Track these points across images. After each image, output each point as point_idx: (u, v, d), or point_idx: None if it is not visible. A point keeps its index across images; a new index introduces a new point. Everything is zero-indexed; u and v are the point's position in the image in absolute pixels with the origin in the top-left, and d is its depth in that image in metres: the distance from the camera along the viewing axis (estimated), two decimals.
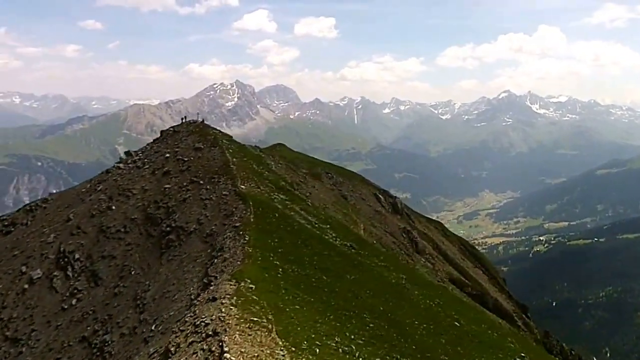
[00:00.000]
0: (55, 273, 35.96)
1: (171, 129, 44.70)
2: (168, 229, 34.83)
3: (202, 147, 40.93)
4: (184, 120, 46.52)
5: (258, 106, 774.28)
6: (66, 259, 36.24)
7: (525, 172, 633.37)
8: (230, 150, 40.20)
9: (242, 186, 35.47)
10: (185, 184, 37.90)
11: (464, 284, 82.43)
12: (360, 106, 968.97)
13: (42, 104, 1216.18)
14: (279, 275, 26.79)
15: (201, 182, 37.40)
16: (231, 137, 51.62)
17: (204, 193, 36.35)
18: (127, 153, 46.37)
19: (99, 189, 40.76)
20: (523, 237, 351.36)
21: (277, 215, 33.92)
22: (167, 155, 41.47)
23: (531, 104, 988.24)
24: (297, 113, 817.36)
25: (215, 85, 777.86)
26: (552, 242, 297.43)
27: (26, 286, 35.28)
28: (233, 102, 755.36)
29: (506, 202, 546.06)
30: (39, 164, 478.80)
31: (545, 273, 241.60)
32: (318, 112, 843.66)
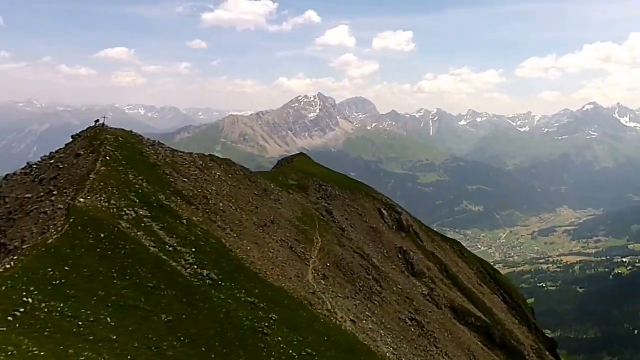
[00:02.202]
0: None
1: (77, 135, 39.14)
2: None
3: (82, 153, 34.71)
4: (96, 124, 40.70)
5: (338, 117, 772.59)
6: None
7: (610, 188, 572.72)
8: (108, 158, 33.57)
9: (83, 199, 28.58)
10: (42, 194, 31.82)
11: (467, 313, 69.61)
12: (436, 118, 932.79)
13: (160, 114, 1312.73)
14: (9, 319, 19.69)
15: (54, 192, 31.08)
16: (158, 142, 45.16)
17: (46, 205, 29.98)
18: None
19: None
20: (603, 258, 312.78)
21: (104, 235, 26.63)
22: (52, 162, 35.76)
23: (620, 117, 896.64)
24: (374, 124, 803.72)
25: (299, 98, 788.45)
26: (638, 264, 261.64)
27: None
28: (315, 114, 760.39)
29: (586, 220, 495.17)
30: None
31: (627, 297, 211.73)
32: (394, 123, 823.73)
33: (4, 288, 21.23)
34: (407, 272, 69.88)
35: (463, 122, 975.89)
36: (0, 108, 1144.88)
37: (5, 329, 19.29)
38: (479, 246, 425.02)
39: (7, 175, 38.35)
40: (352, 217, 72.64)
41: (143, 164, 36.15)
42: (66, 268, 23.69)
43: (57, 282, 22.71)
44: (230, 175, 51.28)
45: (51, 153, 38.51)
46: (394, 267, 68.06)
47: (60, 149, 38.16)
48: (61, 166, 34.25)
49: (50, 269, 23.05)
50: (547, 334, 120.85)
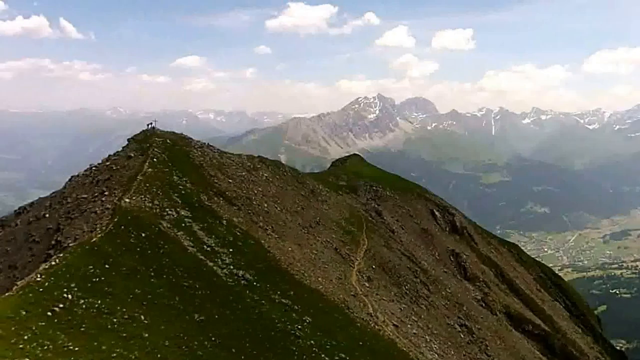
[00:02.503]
0: None
1: (131, 138, 40.50)
2: (53, 242, 30.31)
3: (133, 155, 35.79)
4: (148, 126, 41.93)
5: (397, 118, 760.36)
6: None
7: None
8: (155, 160, 34.32)
9: (128, 199, 29.31)
10: (96, 194, 33.06)
11: (523, 320, 65.44)
12: (498, 117, 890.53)
13: (228, 119, 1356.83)
14: (49, 314, 20.32)
15: (105, 193, 32.19)
16: (207, 144, 45.85)
17: (97, 205, 31.06)
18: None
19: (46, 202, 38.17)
20: None
21: (145, 234, 27.11)
22: (108, 163, 37.20)
23: None
24: (434, 124, 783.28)
25: (359, 99, 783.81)
26: None
27: None
28: (375, 115, 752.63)
29: None
30: None
31: None
32: (455, 123, 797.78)
33: (47, 284, 21.93)
34: (459, 275, 66.76)
35: (527, 121, 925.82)
36: (92, 116, 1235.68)
37: (44, 324, 19.84)
38: (545, 249, 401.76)
39: (72, 176, 40.32)
40: (403, 219, 70.49)
41: (188, 165, 36.70)
42: (106, 266, 24.20)
43: (97, 279, 23.19)
44: (277, 177, 51.19)
45: (109, 155, 40.09)
46: (445, 270, 65.24)
47: (117, 152, 39.61)
48: (114, 168, 35.48)
49: (91, 267, 23.61)
50: (619, 345, 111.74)
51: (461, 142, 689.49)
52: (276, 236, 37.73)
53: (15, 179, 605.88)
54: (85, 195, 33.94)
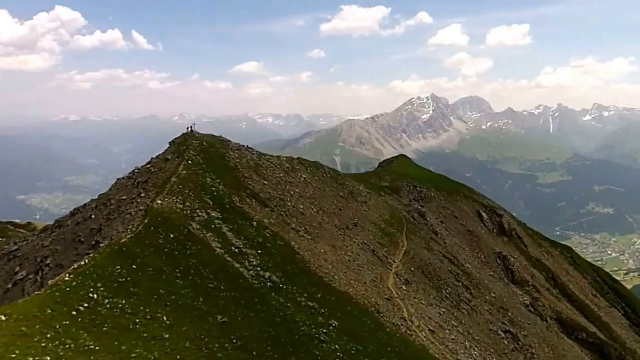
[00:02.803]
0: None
1: (171, 141, 41.02)
2: (93, 242, 31.08)
3: (170, 157, 36.15)
4: (188, 129, 42.33)
5: (451, 118, 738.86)
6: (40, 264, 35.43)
7: None
8: (190, 162, 34.42)
9: (160, 201, 29.48)
10: (134, 196, 33.64)
11: (576, 327, 60.72)
12: (556, 114, 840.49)
13: (285, 122, 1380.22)
14: (73, 313, 20.50)
15: (142, 194, 32.65)
16: (246, 146, 45.73)
17: (133, 206, 31.52)
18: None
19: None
20: None
21: (173, 235, 27.07)
22: (148, 166, 37.88)
23: None
24: (489, 123, 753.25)
25: (412, 99, 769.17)
26: None
27: None
28: (428, 115, 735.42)
29: None
30: None
31: None
32: (510, 121, 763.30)
33: (74, 283, 22.18)
34: (506, 279, 62.90)
35: (587, 117, 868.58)
36: (160, 122, 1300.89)
37: (67, 323, 19.95)
38: (609, 252, 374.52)
39: (117, 179, 41.45)
40: (447, 220, 67.48)
41: (222, 167, 36.58)
42: (133, 266, 24.24)
43: (123, 279, 23.24)
44: (316, 178, 50.30)
45: (151, 158, 40.83)
46: (491, 273, 61.69)
47: (158, 155, 40.25)
48: (152, 170, 36.01)
49: (118, 267, 23.72)
50: None
51: (517, 141, 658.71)
52: (309, 237, 36.80)
53: (94, 182, 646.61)
54: (125, 197, 34.62)
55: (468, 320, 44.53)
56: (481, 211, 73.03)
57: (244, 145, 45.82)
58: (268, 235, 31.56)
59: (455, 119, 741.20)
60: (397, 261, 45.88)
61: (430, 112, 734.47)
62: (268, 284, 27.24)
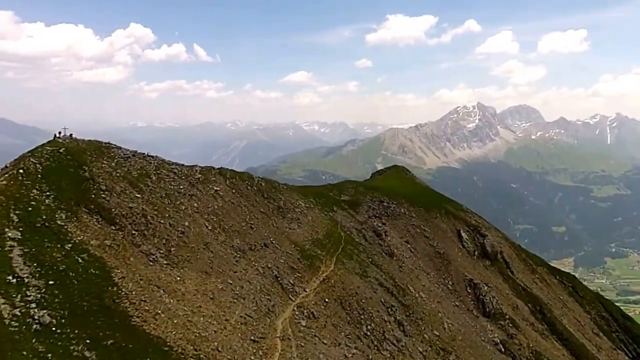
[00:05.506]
0: None
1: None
2: None
3: (7, 166, 31.20)
4: (56, 135, 36.83)
5: (498, 127, 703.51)
6: None
7: None
8: (21, 171, 29.22)
9: None
10: None
11: None
12: (614, 124, 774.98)
13: (331, 130, 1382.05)
14: None
15: None
16: (145, 154, 40.23)
17: None
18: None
19: None
20: None
21: None
22: None
23: None
24: (539, 133, 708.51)
25: (458, 108, 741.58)
26: None
27: None
28: (474, 124, 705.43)
29: None
30: (323, 177, 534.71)
31: None
32: (562, 131, 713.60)
33: None
34: (475, 311, 53.32)
35: None
36: (215, 129, 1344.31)
37: None
38: None
39: None
40: (415, 240, 58.73)
41: (70, 178, 31.13)
42: None
43: None
44: (233, 191, 43.90)
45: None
46: (456, 303, 52.44)
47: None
48: None
49: None
50: None
51: (570, 152, 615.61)
52: (165, 263, 30.52)
53: None
54: None
55: None
56: (462, 231, 63.39)
57: (142, 153, 40.39)
58: (81, 261, 25.62)
59: (502, 128, 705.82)
60: (308, 290, 38.51)
61: (477, 121, 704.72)
62: (34, 326, 21.22)
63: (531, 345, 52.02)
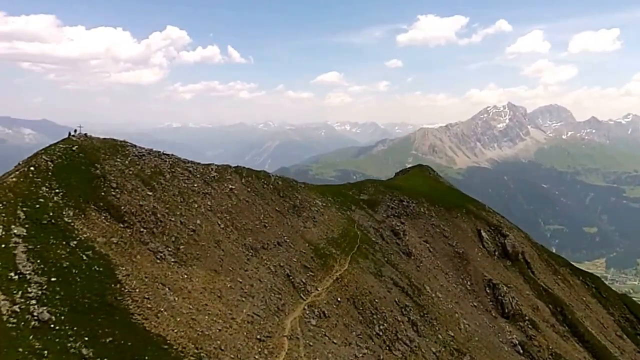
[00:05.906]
0: None
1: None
2: None
3: (20, 164, 31.27)
4: (70, 134, 36.86)
5: (529, 127, 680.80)
6: None
7: None
8: (32, 169, 29.15)
9: None
10: None
11: None
12: None
13: (362, 129, 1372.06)
14: None
15: None
16: (159, 152, 39.89)
17: None
18: None
19: None
20: None
21: None
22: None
23: None
24: (570, 133, 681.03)
25: (488, 108, 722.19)
26: None
27: None
28: (504, 124, 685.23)
29: None
30: (354, 177, 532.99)
31: None
32: (594, 131, 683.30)
33: None
34: (494, 311, 50.73)
35: None
36: (248, 129, 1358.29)
37: None
38: None
39: None
40: (434, 239, 56.50)
41: (81, 175, 30.96)
42: None
43: None
44: (249, 189, 43.12)
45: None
46: (474, 304, 50.06)
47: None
48: None
49: None
50: None
51: (601, 152, 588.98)
52: (173, 260, 29.92)
53: None
54: None
55: None
56: (482, 231, 60.61)
57: (157, 152, 40.10)
58: (85, 258, 25.25)
59: (533, 128, 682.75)
60: (320, 289, 37.23)
61: (507, 120, 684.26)
62: (32, 323, 20.85)
63: (551, 347, 49.05)
